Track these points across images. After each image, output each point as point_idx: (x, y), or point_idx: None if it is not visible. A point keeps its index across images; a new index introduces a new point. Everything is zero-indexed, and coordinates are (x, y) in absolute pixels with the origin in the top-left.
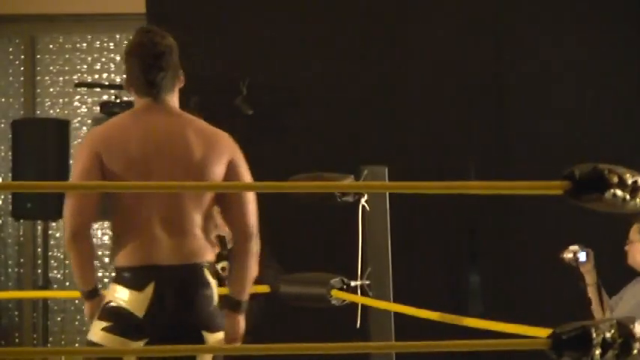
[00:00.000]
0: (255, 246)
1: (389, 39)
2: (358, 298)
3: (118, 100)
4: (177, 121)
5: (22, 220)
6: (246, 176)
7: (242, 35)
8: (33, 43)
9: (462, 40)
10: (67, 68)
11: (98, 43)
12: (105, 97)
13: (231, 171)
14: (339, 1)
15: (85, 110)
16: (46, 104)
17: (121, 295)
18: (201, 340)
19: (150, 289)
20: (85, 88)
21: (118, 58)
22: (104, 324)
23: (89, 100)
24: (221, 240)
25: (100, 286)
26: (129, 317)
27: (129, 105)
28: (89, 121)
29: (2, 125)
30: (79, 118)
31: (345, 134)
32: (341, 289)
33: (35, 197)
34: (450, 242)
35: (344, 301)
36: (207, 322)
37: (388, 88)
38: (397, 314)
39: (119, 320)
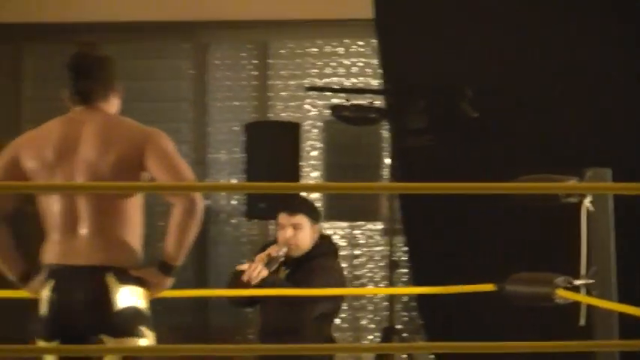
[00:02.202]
0: (199, 214)
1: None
2: (584, 298)
3: (348, 104)
4: (99, 123)
5: (255, 220)
6: (172, 155)
7: (468, 39)
8: (265, 48)
9: None
10: (297, 72)
11: (328, 47)
12: (335, 101)
13: (153, 156)
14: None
15: (316, 113)
16: (278, 107)
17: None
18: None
19: (49, 288)
20: (316, 92)
21: (347, 62)
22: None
23: (319, 103)
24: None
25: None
26: (39, 315)
27: (359, 108)
28: (320, 124)
29: (236, 128)
30: (310, 121)
31: (569, 136)
32: (565, 288)
33: (268, 198)
34: None
35: (568, 300)
36: (107, 326)
37: (615, 90)
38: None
39: (35, 318)
